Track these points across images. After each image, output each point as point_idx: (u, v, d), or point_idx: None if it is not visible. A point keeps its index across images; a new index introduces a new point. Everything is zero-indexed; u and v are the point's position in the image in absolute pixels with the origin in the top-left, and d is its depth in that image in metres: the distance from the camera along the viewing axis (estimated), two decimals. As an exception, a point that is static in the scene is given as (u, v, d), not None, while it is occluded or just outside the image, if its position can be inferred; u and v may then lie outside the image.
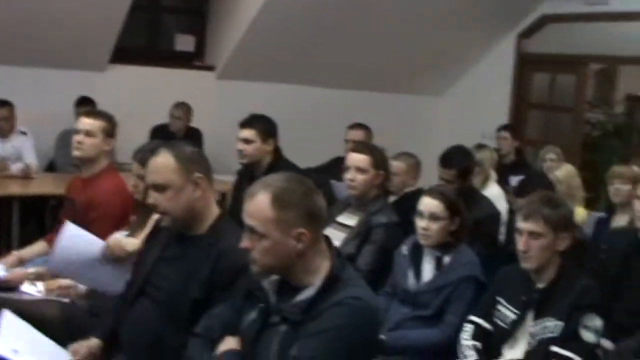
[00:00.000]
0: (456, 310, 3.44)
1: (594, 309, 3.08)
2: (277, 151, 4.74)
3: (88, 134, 3.96)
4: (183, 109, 7.25)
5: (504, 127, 7.61)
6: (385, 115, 7.68)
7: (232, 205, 4.76)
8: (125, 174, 4.14)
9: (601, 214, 5.42)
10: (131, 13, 6.83)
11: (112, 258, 3.53)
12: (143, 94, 7.21)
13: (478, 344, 3.27)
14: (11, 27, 6.31)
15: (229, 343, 2.40)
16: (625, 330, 2.98)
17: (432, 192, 3.72)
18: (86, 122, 4.00)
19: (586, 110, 8.99)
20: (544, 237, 3.11)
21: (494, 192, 5.53)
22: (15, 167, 6.29)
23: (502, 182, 6.09)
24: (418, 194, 3.87)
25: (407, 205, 4.00)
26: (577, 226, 4.40)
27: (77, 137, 3.98)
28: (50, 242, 3.92)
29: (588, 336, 3.04)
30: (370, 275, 3.75)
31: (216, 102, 7.36)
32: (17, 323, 2.99)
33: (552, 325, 3.07)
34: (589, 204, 6.47)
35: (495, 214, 4.87)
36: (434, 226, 3.55)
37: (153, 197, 2.80)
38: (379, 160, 4.17)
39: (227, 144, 5.04)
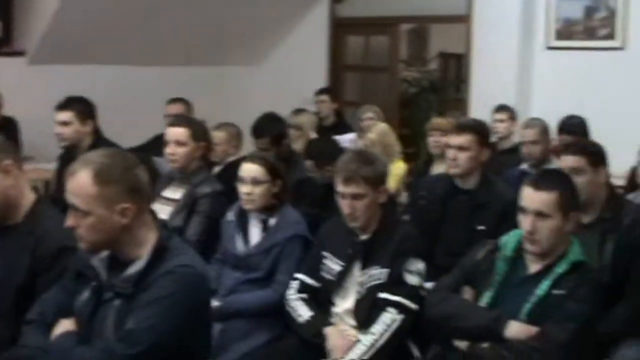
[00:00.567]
0: (286, 269, 3.53)
1: (415, 254, 3.24)
2: (97, 132, 4.69)
3: None
4: (-8, 98, 6.90)
5: (322, 91, 7.74)
6: (205, 89, 7.61)
7: (56, 190, 4.66)
8: None
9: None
10: None
11: None
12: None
13: (304, 295, 3.37)
14: None
15: (65, 325, 2.38)
16: (446, 271, 3.16)
17: (252, 157, 3.80)
18: None
19: (402, 69, 9.33)
20: (367, 197, 3.22)
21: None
22: None
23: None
24: (241, 162, 3.91)
25: (231, 173, 4.04)
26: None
27: None
28: None
29: (412, 279, 3.21)
30: (200, 245, 3.77)
31: (30, 89, 7.03)
32: None
33: (378, 273, 3.21)
34: (410, 158, 6.75)
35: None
36: (257, 190, 3.62)
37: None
38: (198, 132, 4.17)
39: (46, 131, 4.89)
